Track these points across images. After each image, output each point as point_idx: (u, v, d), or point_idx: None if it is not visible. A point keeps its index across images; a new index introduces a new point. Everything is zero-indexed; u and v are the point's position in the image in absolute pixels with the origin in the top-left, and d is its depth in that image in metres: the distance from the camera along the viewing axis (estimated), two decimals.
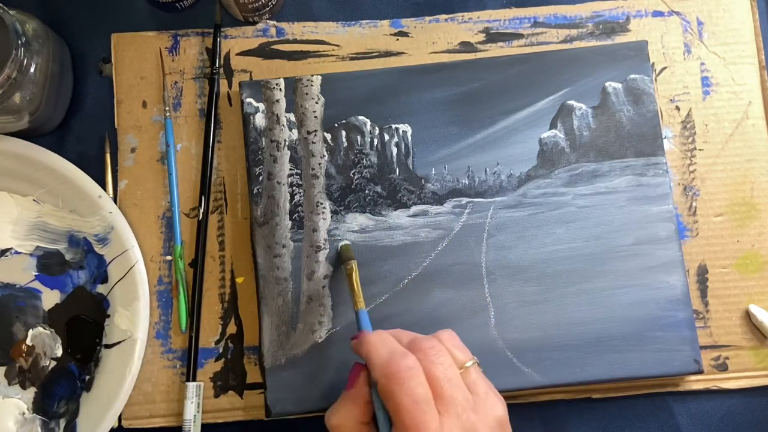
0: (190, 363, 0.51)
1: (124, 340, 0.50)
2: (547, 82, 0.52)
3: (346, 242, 0.50)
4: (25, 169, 0.52)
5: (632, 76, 0.52)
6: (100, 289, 0.52)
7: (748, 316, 0.52)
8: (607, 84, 0.52)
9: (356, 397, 0.40)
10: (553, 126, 0.52)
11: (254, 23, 0.55)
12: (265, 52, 0.55)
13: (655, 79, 0.55)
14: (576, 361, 0.49)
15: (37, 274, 0.52)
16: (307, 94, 0.52)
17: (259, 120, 0.52)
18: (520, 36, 0.55)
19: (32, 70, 0.48)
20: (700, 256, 0.53)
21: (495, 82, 0.52)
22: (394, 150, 0.52)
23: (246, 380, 0.51)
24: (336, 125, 0.52)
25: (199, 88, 0.54)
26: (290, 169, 0.51)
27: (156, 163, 0.53)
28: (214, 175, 0.53)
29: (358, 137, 0.52)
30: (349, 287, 0.46)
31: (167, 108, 0.53)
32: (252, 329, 0.52)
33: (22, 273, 0.52)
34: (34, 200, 0.52)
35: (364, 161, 0.52)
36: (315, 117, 0.52)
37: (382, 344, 0.40)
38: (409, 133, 0.52)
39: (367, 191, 0.51)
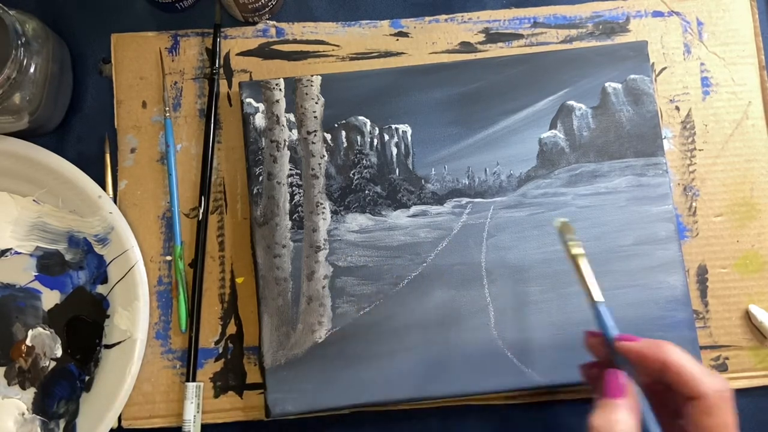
0: (190, 363, 0.51)
1: (123, 341, 0.50)
2: (547, 82, 0.52)
3: (563, 219, 0.45)
4: (25, 169, 0.52)
5: (632, 76, 0.52)
6: (100, 289, 0.52)
7: (748, 316, 0.52)
8: (607, 84, 0.52)
9: (633, 408, 0.39)
10: (553, 126, 0.52)
11: (254, 23, 0.55)
12: (265, 52, 0.55)
13: (655, 80, 0.55)
14: (576, 361, 0.49)
15: (36, 274, 0.52)
16: (307, 94, 0.52)
17: (259, 120, 0.52)
18: (520, 36, 0.55)
19: (32, 70, 0.48)
20: (700, 256, 0.53)
21: (495, 82, 0.52)
22: (394, 150, 0.52)
23: (246, 380, 0.51)
24: (336, 125, 0.52)
25: (199, 89, 0.54)
26: (290, 170, 0.51)
27: (156, 163, 0.53)
28: (214, 175, 0.53)
29: (358, 137, 0.52)
30: (578, 274, 0.43)
31: (167, 108, 0.53)
32: (252, 329, 0.52)
33: (21, 273, 0.52)
34: (34, 200, 0.52)
35: (364, 161, 0.52)
36: (315, 117, 0.52)
37: (687, 354, 0.40)
38: (409, 133, 0.52)
39: (367, 191, 0.51)
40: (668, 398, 0.41)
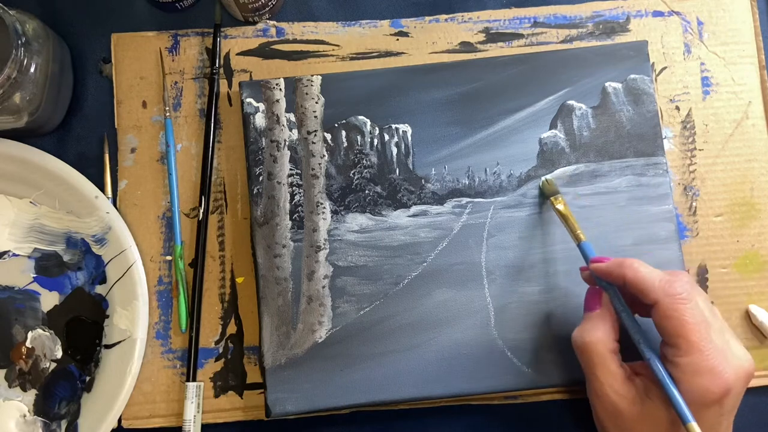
0: (190, 363, 0.51)
1: (123, 340, 0.50)
2: (547, 82, 0.52)
3: (547, 177, 0.51)
4: (21, 171, 0.52)
5: (632, 76, 0.52)
6: (99, 289, 0.52)
7: (748, 316, 0.52)
8: (607, 84, 0.52)
9: (606, 316, 0.44)
10: (553, 126, 0.52)
11: (254, 23, 0.55)
12: (265, 52, 0.55)
13: (655, 79, 0.55)
14: (576, 361, 0.49)
15: (35, 276, 0.52)
16: (307, 94, 0.52)
17: (259, 120, 0.51)
18: (520, 36, 0.55)
19: (32, 70, 0.48)
20: (700, 256, 0.53)
21: (495, 82, 0.52)
22: (394, 150, 0.52)
23: (246, 380, 0.51)
24: (336, 125, 0.52)
25: (199, 88, 0.54)
26: (290, 169, 0.51)
27: (156, 163, 0.53)
28: (214, 175, 0.53)
29: (358, 137, 0.52)
30: (565, 222, 0.48)
31: (167, 108, 0.53)
32: (252, 329, 0.52)
33: (20, 275, 0.52)
34: (30, 202, 0.52)
35: (364, 161, 0.52)
36: (315, 117, 0.52)
37: (647, 268, 0.43)
38: (409, 133, 0.52)
39: (367, 191, 0.51)
40: (644, 308, 0.44)
